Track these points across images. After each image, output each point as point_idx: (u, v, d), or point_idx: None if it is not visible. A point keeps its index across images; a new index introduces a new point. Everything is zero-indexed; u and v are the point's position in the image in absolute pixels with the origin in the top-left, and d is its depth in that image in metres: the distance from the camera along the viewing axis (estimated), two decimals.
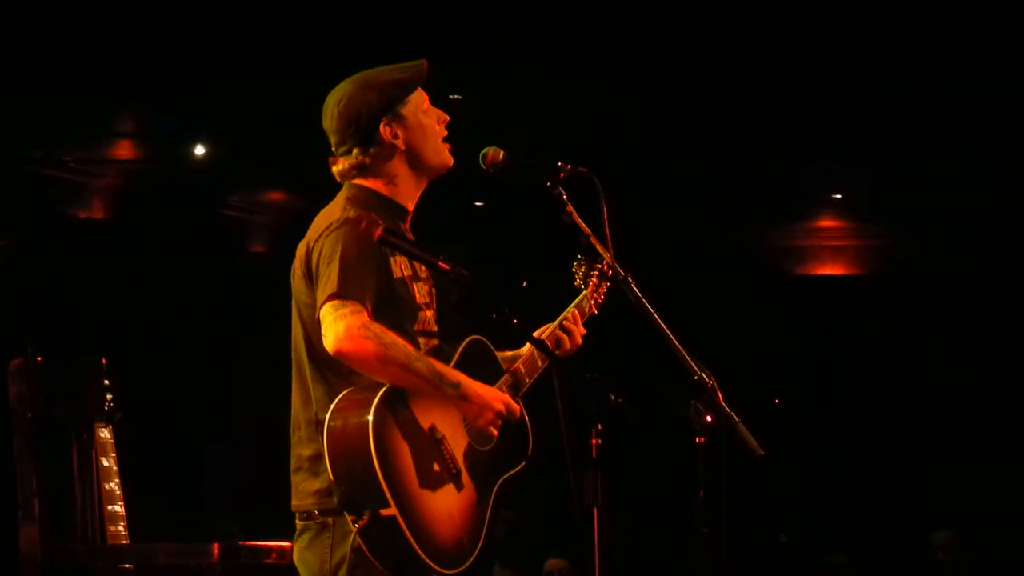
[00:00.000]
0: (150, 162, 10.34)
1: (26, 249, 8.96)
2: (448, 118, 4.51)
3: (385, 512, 4.08)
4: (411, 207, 4.50)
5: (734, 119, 9.34)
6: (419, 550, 4.12)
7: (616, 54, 8.39)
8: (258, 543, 4.30)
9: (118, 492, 4.77)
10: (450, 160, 4.51)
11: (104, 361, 4.90)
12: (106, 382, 4.86)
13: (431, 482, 4.23)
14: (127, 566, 4.55)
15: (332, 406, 4.19)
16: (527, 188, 4.36)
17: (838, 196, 11.28)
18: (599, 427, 4.32)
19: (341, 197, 4.43)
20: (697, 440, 4.12)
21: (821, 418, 11.90)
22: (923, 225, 11.38)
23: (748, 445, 4.07)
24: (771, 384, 11.37)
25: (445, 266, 4.33)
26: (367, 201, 4.40)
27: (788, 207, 11.52)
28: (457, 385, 4.28)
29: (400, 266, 4.38)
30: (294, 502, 4.37)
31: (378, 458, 4.09)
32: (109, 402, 4.84)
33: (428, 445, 4.26)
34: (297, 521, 4.37)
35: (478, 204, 11.25)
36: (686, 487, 4.17)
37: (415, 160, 4.47)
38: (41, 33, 7.90)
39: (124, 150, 10.27)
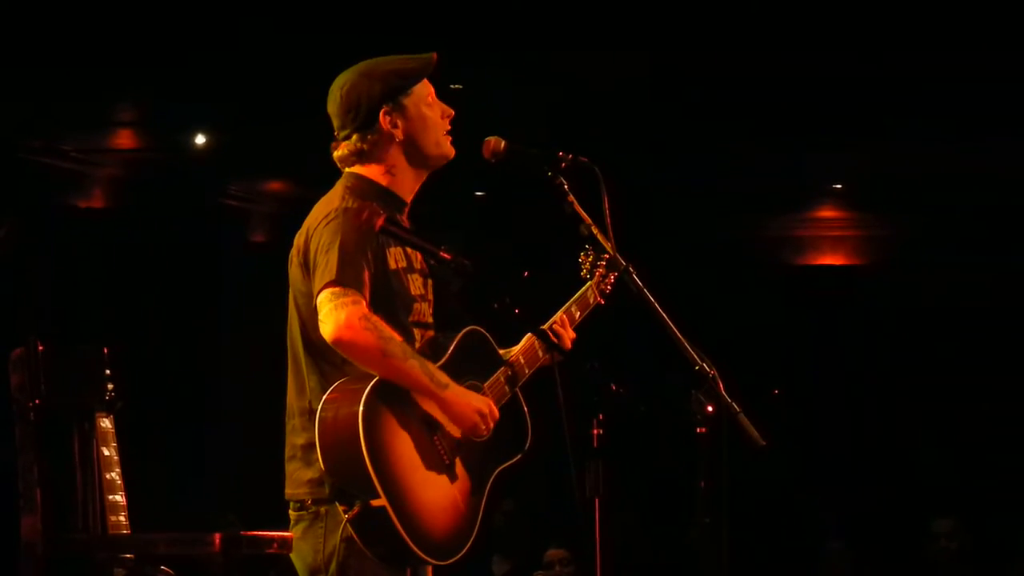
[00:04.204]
0: (151, 151, 10.34)
1: (27, 239, 8.98)
2: (453, 113, 4.51)
3: (375, 503, 4.09)
4: (409, 199, 4.50)
5: (733, 108, 9.33)
6: (409, 541, 4.13)
7: (614, 42, 8.39)
8: (259, 533, 4.30)
9: (119, 482, 4.76)
10: (451, 152, 4.50)
11: (105, 351, 4.90)
12: (107, 372, 4.85)
13: (423, 473, 4.23)
14: (128, 556, 4.55)
15: (324, 396, 4.20)
16: (528, 178, 4.36)
17: (838, 186, 11.28)
18: (600, 417, 4.33)
19: (340, 186, 4.43)
20: (698, 430, 4.12)
21: (820, 408, 11.91)
22: (924, 216, 11.37)
23: (749, 435, 4.08)
24: (770, 375, 11.37)
25: (446, 255, 4.33)
26: (365, 191, 4.40)
27: (788, 197, 11.51)
28: (446, 386, 4.28)
29: (395, 257, 4.38)
30: (288, 491, 4.38)
31: (367, 449, 4.09)
32: (110, 392, 4.84)
33: (420, 436, 4.26)
34: (291, 512, 4.38)
35: (479, 194, 11.24)
36: (687, 477, 4.17)
37: (414, 151, 4.46)
38: (41, 21, 7.89)
39: (124, 139, 10.27)
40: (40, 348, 4.70)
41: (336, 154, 4.48)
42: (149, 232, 10.40)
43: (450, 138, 4.50)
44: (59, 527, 4.63)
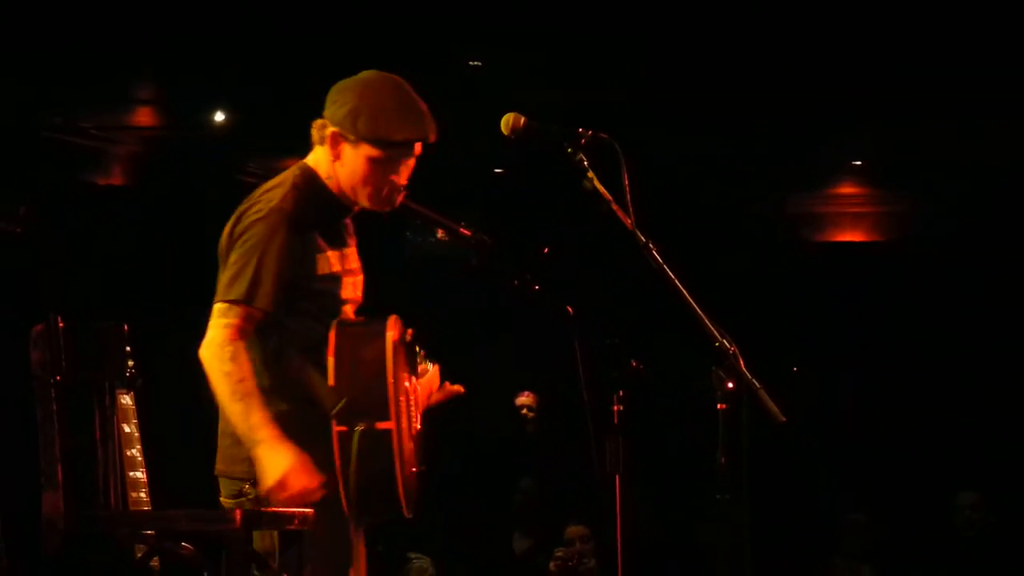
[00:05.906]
0: (169, 129, 10.35)
1: (46, 216, 8.99)
2: (402, 185, 4.41)
3: (381, 425, 4.11)
4: (356, 208, 4.48)
5: (754, 85, 9.30)
6: (398, 469, 4.14)
7: (634, 18, 8.36)
8: (280, 509, 4.31)
9: (139, 458, 4.78)
10: (380, 208, 4.45)
11: (125, 327, 4.92)
12: (127, 348, 4.87)
13: (405, 419, 4.29)
14: (149, 532, 4.56)
15: (336, 327, 4.21)
16: (548, 154, 4.36)
17: (858, 163, 11.25)
18: (620, 393, 4.33)
19: (288, 181, 4.42)
20: (718, 407, 4.12)
21: (840, 385, 11.90)
22: (944, 192, 11.33)
23: (769, 411, 4.07)
24: (790, 351, 11.36)
25: (466, 232, 4.35)
26: (308, 192, 4.42)
27: (808, 174, 11.48)
28: (259, 442, 4.24)
29: (331, 261, 4.37)
30: (220, 466, 4.41)
31: (392, 371, 4.15)
32: (130, 368, 4.86)
33: (405, 392, 4.31)
34: (224, 497, 4.41)
35: (498, 171, 11.24)
36: (707, 453, 4.17)
37: (344, 184, 4.45)
38: None
39: (144, 117, 10.28)
40: (60, 325, 4.71)
41: (313, 129, 4.49)
42: (168, 209, 10.40)
43: (400, 195, 4.42)
44: (80, 504, 4.64)
